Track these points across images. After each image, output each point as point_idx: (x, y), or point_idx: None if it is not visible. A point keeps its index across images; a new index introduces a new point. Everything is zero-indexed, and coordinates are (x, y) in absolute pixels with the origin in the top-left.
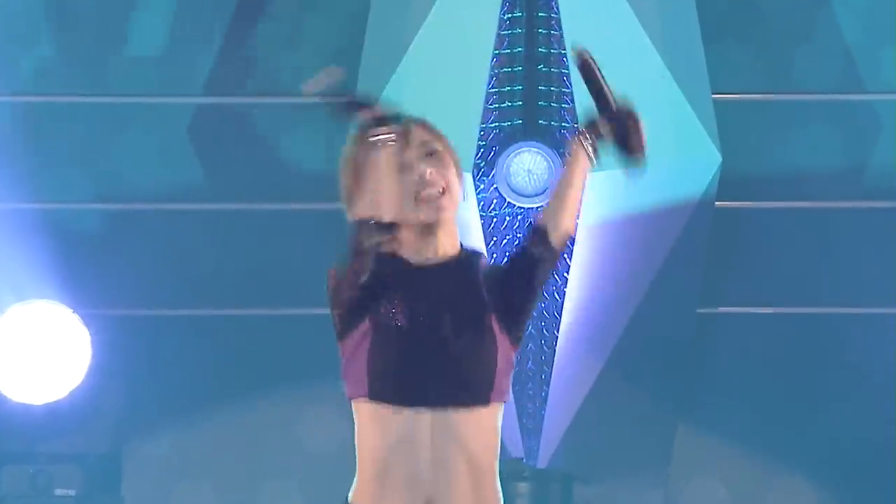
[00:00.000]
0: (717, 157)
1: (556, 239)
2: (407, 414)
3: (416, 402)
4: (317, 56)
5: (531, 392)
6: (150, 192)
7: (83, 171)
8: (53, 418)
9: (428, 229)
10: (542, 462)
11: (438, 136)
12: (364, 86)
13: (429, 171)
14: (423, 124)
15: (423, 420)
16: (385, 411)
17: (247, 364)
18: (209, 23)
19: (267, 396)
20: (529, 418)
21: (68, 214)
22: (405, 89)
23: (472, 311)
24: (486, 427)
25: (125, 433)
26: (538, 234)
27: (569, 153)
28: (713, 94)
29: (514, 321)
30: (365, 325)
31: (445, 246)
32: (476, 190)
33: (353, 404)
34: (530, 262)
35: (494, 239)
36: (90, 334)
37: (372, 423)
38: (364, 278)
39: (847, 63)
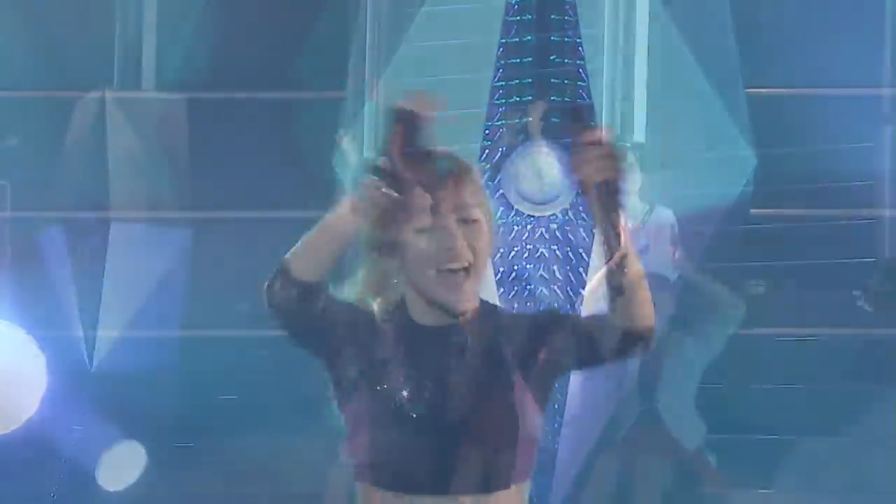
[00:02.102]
0: (752, 159)
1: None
2: (409, 502)
3: (420, 489)
4: (303, 46)
5: None
6: (114, 199)
7: (36, 174)
8: (3, 454)
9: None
10: None
11: (479, 197)
12: (354, 78)
13: (459, 244)
14: (465, 177)
15: None
16: (384, 498)
17: (225, 390)
18: (180, 9)
19: (247, 432)
20: (539, 453)
21: (23, 223)
22: (401, 81)
23: (489, 381)
24: None
25: (86, 474)
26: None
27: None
28: (747, 88)
29: (555, 374)
30: (362, 394)
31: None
32: None
33: (356, 485)
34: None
35: (501, 251)
36: (46, 359)
37: None
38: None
39: None
